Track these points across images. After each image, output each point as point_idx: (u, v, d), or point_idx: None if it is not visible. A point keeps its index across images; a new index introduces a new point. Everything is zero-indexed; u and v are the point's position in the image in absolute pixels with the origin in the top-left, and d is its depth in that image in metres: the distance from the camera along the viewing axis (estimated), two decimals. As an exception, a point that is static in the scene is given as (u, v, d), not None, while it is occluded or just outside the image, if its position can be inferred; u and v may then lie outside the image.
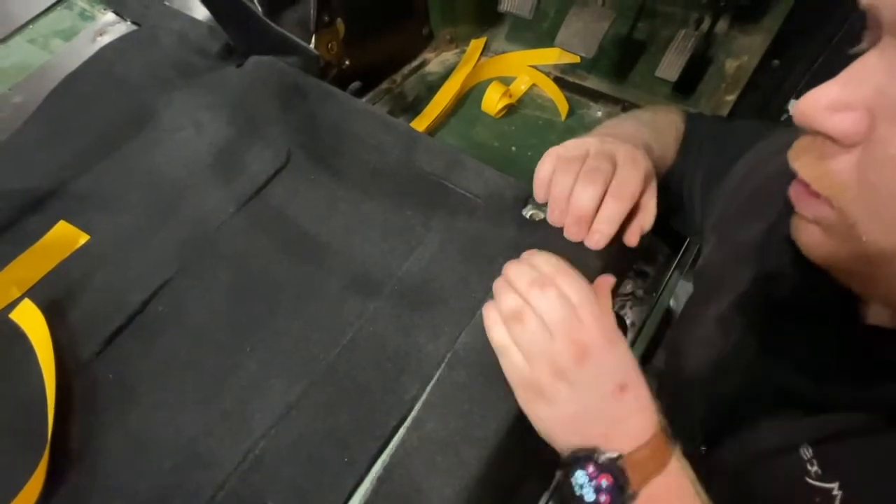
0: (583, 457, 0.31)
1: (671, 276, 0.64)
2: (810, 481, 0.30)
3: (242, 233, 0.47)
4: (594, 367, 0.32)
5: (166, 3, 0.66)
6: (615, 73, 0.84)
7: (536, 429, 0.34)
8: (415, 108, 0.84)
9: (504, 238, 0.43)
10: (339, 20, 0.72)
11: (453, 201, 0.48)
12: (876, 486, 0.29)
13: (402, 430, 0.36)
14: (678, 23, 0.74)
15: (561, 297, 0.33)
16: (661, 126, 0.54)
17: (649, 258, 0.66)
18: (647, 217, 0.41)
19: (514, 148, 0.80)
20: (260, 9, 0.62)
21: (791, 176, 0.29)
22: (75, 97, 0.57)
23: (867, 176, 0.24)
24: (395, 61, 0.89)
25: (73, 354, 0.40)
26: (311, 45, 0.69)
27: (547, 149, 0.42)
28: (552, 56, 0.82)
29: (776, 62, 0.60)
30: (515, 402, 0.35)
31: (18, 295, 0.43)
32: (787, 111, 0.57)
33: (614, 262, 0.41)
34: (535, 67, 0.86)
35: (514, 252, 0.39)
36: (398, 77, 0.88)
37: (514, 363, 0.34)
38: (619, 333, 0.34)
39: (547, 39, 0.83)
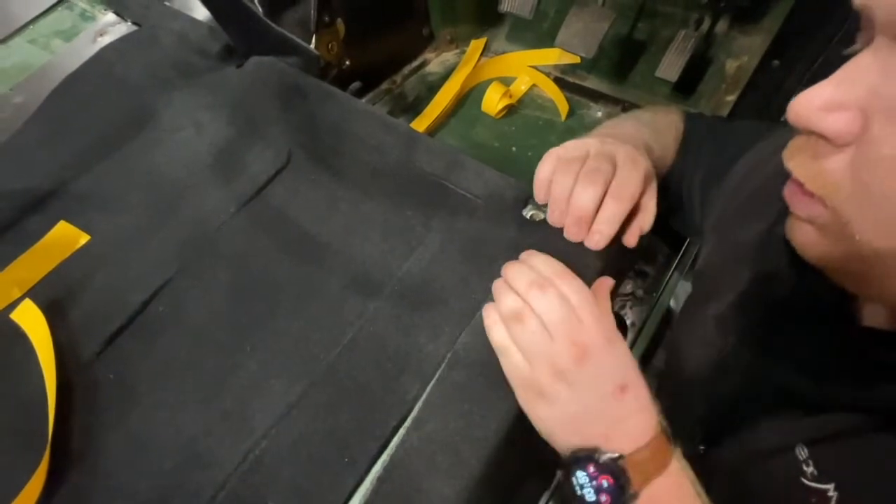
0: (583, 457, 0.31)
1: (671, 276, 0.64)
2: (806, 482, 0.31)
3: (243, 233, 0.47)
4: (594, 368, 0.32)
5: (167, 4, 0.66)
6: (615, 73, 0.84)
7: (537, 429, 0.34)
8: (415, 109, 0.84)
9: (504, 238, 0.43)
10: (339, 20, 0.72)
11: (453, 202, 0.48)
12: (871, 487, 0.29)
13: (402, 430, 0.36)
14: (678, 23, 0.74)
15: (560, 298, 0.33)
16: (661, 126, 0.54)
17: (649, 258, 0.66)
18: (646, 218, 0.41)
19: (514, 148, 0.80)
20: (260, 9, 0.62)
21: (789, 176, 0.29)
22: (76, 97, 0.57)
23: (860, 175, 0.25)
24: (396, 62, 0.89)
25: (74, 354, 0.40)
26: (312, 46, 0.69)
27: (547, 149, 0.42)
28: (552, 56, 0.82)
29: (776, 62, 0.60)
30: (515, 402, 0.35)
31: (19, 295, 0.43)
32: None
33: (614, 262, 0.41)
34: (536, 68, 0.87)
35: (515, 252, 0.39)
36: (398, 77, 0.88)
37: (514, 363, 0.34)
38: (618, 334, 0.34)
39: (547, 40, 0.83)
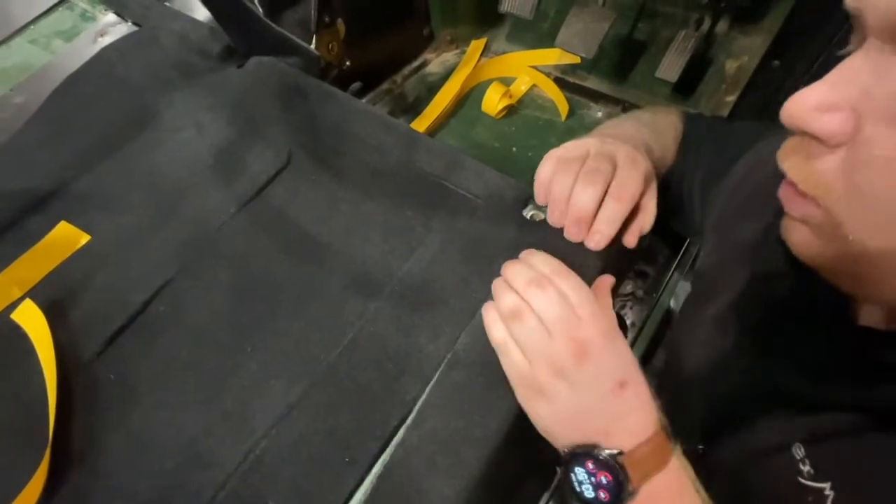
0: (583, 453, 0.31)
1: (671, 276, 0.64)
2: (803, 481, 0.31)
3: (243, 233, 0.47)
4: (594, 365, 0.32)
5: (167, 4, 0.66)
6: (615, 73, 0.84)
7: (537, 427, 0.34)
8: (415, 109, 0.84)
9: (504, 238, 0.43)
10: (339, 21, 0.72)
11: (454, 202, 0.48)
12: (868, 486, 0.29)
13: (402, 430, 0.36)
14: (678, 23, 0.74)
15: (559, 296, 0.33)
16: (661, 127, 0.54)
17: (649, 259, 0.66)
18: (646, 218, 0.41)
19: (514, 148, 0.80)
20: (260, 9, 0.62)
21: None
22: (76, 98, 0.57)
23: (852, 176, 0.25)
24: (396, 62, 0.89)
25: (75, 354, 0.40)
26: (312, 46, 0.69)
27: (547, 149, 0.42)
28: (552, 56, 0.82)
29: (776, 63, 0.60)
30: (515, 401, 0.35)
31: (20, 295, 0.43)
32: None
33: (614, 262, 0.41)
34: (536, 68, 0.87)
35: (515, 253, 0.39)
36: (399, 78, 0.88)
37: (513, 362, 0.34)
38: (618, 331, 0.34)
39: (547, 40, 0.83)
